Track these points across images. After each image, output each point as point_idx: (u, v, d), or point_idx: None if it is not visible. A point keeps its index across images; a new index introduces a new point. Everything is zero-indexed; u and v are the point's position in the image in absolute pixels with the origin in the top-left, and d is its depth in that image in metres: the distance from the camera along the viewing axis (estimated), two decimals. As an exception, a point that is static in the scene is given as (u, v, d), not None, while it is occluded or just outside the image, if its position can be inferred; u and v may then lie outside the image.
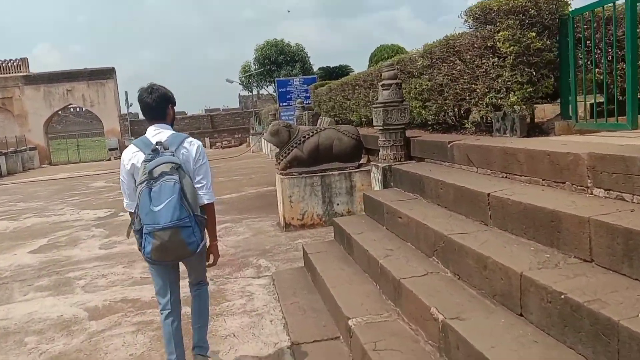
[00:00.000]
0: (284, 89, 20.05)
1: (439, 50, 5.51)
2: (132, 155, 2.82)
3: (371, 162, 6.94)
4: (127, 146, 3.00)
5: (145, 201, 2.59)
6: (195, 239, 2.68)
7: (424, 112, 6.26)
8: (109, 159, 32.98)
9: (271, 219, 8.31)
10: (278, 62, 34.79)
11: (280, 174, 7.41)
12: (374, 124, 6.06)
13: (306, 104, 19.59)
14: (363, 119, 9.14)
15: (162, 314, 2.98)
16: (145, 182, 2.61)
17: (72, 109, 55.71)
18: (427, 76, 5.92)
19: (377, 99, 6.05)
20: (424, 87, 5.96)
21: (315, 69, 33.78)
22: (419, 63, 6.04)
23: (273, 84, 36.74)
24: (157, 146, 2.72)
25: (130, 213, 2.87)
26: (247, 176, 14.90)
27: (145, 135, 2.90)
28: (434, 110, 5.98)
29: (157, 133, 2.87)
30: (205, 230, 2.89)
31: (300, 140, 7.38)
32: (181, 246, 2.64)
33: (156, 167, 2.62)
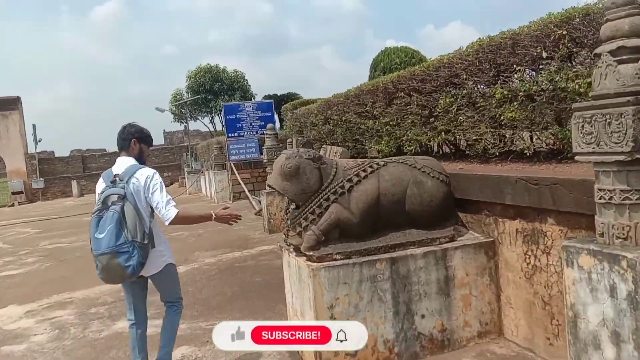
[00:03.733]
0: (233, 116, 16.18)
1: None
2: (98, 186, 3.24)
3: (515, 232, 3.34)
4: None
5: (93, 228, 3.01)
6: (132, 262, 2.96)
7: None
8: (12, 205, 27.13)
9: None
10: (214, 90, 30.93)
11: (307, 257, 3.60)
12: (579, 149, 2.43)
13: (263, 133, 15.89)
14: (408, 147, 5.56)
15: (129, 324, 3.46)
16: (97, 211, 3.04)
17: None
18: None
19: (595, 91, 2.43)
20: None
21: (258, 98, 30.17)
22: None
23: (210, 114, 32.75)
24: (115, 177, 3.16)
25: None
26: (193, 231, 10.75)
27: (112, 167, 3.32)
28: None
29: (119, 165, 3.29)
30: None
31: (343, 186, 3.65)
32: (120, 269, 2.97)
33: (107, 197, 3.04)
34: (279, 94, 27.45)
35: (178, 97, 31.79)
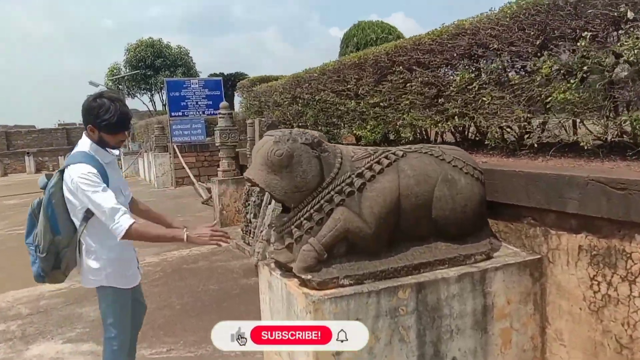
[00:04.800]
0: (177, 94, 14.69)
1: None
2: None
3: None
4: None
5: None
6: (34, 268, 2.57)
7: None
8: None
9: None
10: (155, 65, 28.85)
11: (302, 281, 2.57)
12: None
13: (211, 113, 14.59)
14: (403, 134, 4.62)
15: None
16: None
17: None
18: None
19: None
20: None
21: (203, 77, 28.40)
22: None
23: (149, 92, 30.54)
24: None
25: None
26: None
27: None
28: None
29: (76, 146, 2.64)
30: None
31: (352, 183, 2.64)
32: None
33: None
34: (225, 73, 25.86)
35: (115, 71, 29.41)
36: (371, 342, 2.49)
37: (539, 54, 3.12)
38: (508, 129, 3.65)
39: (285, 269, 2.75)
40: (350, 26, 15.87)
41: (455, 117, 3.86)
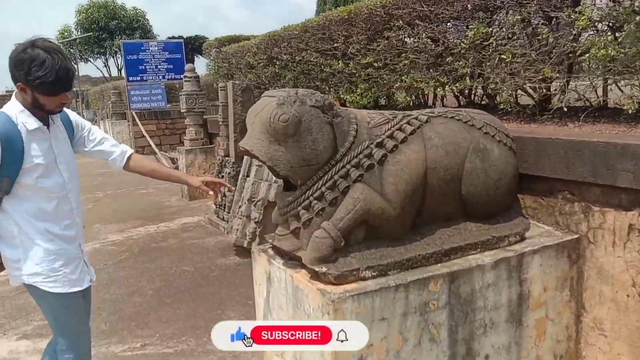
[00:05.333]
0: (135, 57, 13.67)
1: None
2: None
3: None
4: None
5: None
6: None
7: None
8: None
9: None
10: (110, 28, 27.22)
11: (315, 274, 2.11)
12: None
13: (171, 78, 13.73)
14: (400, 98, 4.17)
15: None
16: None
17: None
18: None
19: None
20: None
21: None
22: None
23: (103, 56, 28.85)
24: None
25: None
26: (89, 194, 8.66)
27: None
28: None
29: None
30: None
31: (371, 154, 2.18)
32: None
33: None
34: (185, 37, 24.58)
35: (66, 34, 27.56)
36: (397, 344, 2.09)
37: (572, 5, 2.69)
38: (524, 91, 3.24)
39: (289, 258, 2.29)
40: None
41: (467, 77, 3.42)
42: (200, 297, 4.11)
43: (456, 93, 3.95)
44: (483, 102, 3.86)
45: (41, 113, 2.01)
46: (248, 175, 5.19)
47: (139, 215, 7.05)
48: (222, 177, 6.17)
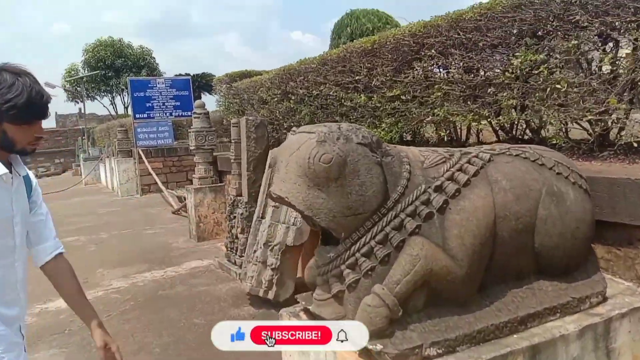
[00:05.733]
0: (142, 94, 13.53)
1: None
2: None
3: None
4: None
5: None
6: None
7: None
8: None
9: None
10: (116, 66, 27.38)
11: (361, 352, 1.69)
12: None
13: (179, 115, 13.55)
14: (432, 132, 3.82)
15: None
16: None
17: None
18: None
19: None
20: None
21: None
22: None
23: (110, 94, 28.94)
24: None
25: None
26: (93, 234, 8.28)
27: None
28: None
29: None
30: None
31: (429, 200, 1.80)
32: None
33: None
34: (192, 74, 24.66)
35: (73, 72, 27.74)
36: None
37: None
38: (579, 125, 2.88)
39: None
40: (341, 15, 14.80)
41: (513, 110, 3.08)
42: (214, 356, 3.67)
43: (495, 127, 3.60)
44: (526, 137, 3.51)
45: (6, 156, 1.63)
46: (263, 217, 4.80)
47: (145, 258, 6.63)
48: (234, 217, 5.79)
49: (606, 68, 2.65)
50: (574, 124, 2.91)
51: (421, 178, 1.86)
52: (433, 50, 3.54)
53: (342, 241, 1.81)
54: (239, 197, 5.77)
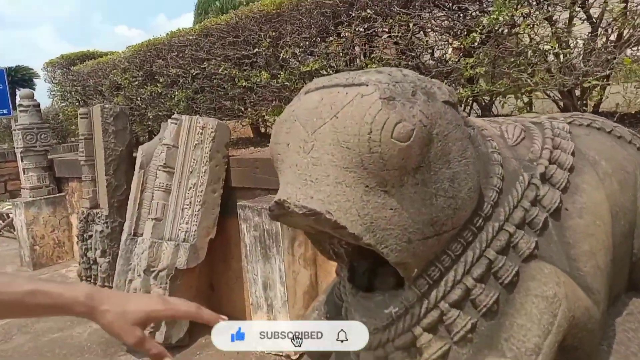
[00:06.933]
0: None
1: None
2: None
3: None
4: None
5: None
6: None
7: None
8: None
9: None
10: None
11: None
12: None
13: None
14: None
15: None
16: None
17: None
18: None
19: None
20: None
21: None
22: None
23: None
24: None
25: None
26: None
27: None
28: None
29: None
30: None
31: (536, 197, 1.07)
32: None
33: None
34: (5, 67, 20.83)
35: None
36: None
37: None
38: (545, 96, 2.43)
39: None
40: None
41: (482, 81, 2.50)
42: None
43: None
44: (475, 114, 3.00)
45: None
46: (138, 234, 3.65)
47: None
48: (90, 237, 4.47)
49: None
50: (552, 94, 2.44)
51: (514, 163, 1.13)
52: (368, 10, 2.82)
53: (410, 283, 0.99)
54: (95, 210, 4.45)
